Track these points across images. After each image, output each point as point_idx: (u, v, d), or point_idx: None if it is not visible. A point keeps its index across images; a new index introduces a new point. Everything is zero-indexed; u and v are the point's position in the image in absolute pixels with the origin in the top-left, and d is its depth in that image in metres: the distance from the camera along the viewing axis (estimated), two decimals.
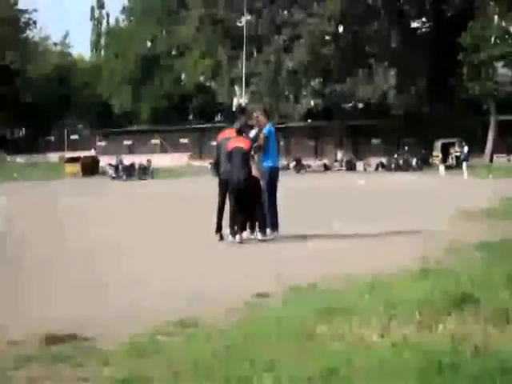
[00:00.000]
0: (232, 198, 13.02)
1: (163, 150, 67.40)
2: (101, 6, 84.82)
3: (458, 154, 47.53)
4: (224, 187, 13.18)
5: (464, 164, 41.62)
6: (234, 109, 58.51)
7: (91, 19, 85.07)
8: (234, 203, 12.97)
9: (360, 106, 59.35)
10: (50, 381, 5.16)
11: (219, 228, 13.04)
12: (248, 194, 12.92)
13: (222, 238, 12.93)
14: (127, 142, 69.12)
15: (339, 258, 10.48)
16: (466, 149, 44.79)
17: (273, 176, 13.42)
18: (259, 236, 13.02)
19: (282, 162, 46.24)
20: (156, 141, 68.91)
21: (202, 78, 70.89)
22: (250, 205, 13.01)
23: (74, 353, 5.76)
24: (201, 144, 65.11)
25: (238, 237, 12.73)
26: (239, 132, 13.14)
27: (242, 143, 12.99)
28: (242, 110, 17.67)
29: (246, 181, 12.86)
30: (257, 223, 13.19)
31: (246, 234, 13.06)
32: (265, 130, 13.50)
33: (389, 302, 6.79)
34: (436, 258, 9.67)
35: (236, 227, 12.83)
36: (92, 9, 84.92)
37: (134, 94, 71.19)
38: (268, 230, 13.13)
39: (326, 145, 61.15)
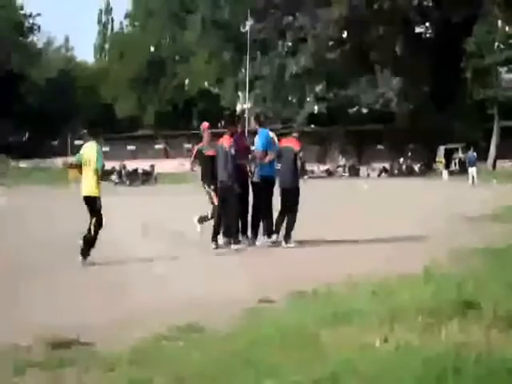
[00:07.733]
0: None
1: (167, 155, 67.37)
2: (108, 10, 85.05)
3: (462, 159, 47.01)
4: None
5: (470, 170, 38.30)
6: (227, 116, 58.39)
7: (98, 23, 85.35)
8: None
9: (364, 111, 59.21)
10: None
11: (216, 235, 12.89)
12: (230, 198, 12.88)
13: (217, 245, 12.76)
14: (131, 147, 69.05)
15: (343, 263, 10.47)
16: (474, 154, 40.40)
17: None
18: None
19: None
20: (160, 146, 68.90)
21: (206, 83, 70.86)
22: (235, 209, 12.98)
23: (78, 358, 5.77)
24: None
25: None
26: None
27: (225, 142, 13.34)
28: (234, 119, 17.93)
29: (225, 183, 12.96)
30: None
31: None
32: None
33: (392, 308, 6.79)
34: (439, 264, 9.67)
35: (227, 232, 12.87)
36: (100, 12, 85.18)
37: (138, 99, 71.26)
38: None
39: (330, 150, 61.07)
